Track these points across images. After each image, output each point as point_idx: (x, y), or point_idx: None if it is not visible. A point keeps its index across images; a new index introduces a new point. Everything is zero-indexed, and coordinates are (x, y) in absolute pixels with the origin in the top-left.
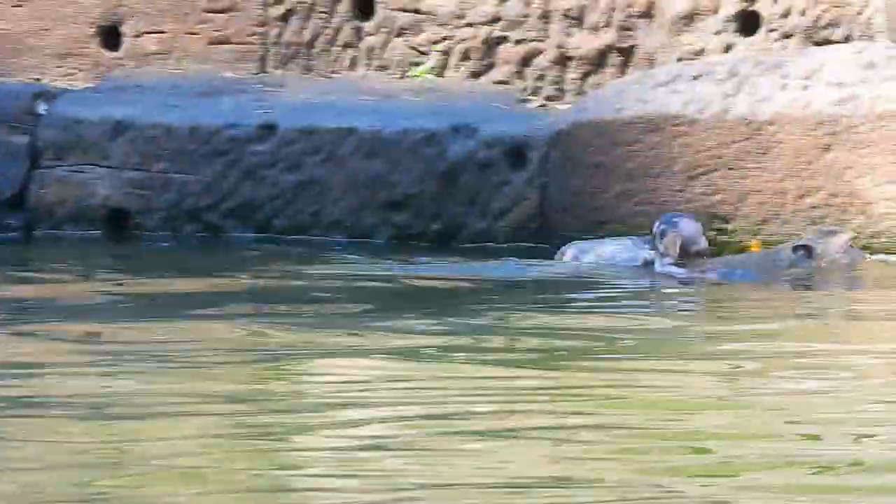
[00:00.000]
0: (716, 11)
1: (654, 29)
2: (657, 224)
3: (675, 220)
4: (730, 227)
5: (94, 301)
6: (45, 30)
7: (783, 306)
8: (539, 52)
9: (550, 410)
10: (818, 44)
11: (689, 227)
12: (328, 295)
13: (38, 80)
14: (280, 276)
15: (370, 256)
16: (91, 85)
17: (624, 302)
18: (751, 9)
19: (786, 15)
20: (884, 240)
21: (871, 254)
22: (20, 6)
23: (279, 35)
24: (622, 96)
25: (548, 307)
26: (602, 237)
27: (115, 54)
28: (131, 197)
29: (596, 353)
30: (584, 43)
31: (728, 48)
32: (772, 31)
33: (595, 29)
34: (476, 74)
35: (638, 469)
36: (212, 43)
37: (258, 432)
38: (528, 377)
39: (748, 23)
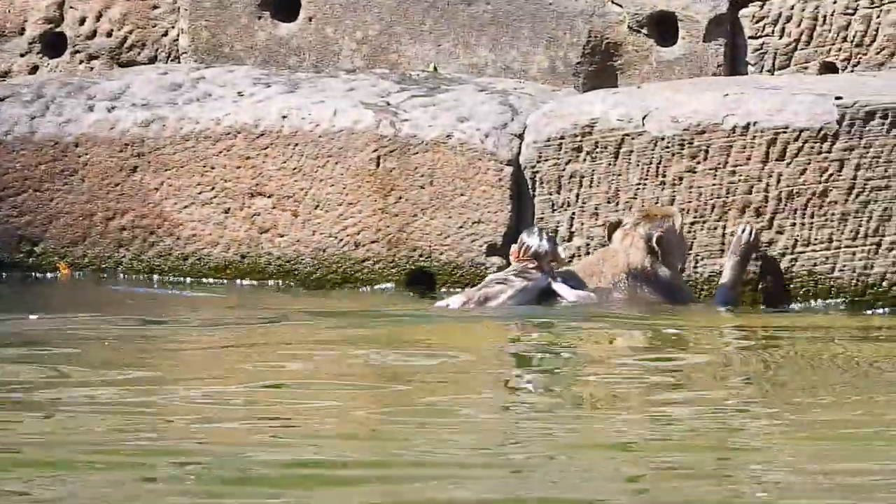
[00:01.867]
0: (21, 32)
1: None
2: (536, 243)
3: (542, 232)
4: (38, 249)
5: None
6: None
7: None
8: None
9: None
10: (124, 65)
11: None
12: None
13: None
14: None
15: None
16: None
17: None
18: (56, 30)
19: (91, 36)
20: (192, 261)
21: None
22: None
23: None
24: None
25: None
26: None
27: None
28: None
29: None
30: None
31: (34, 69)
32: (77, 52)
33: None
34: None
35: None
36: None
37: None
38: None
39: (54, 44)
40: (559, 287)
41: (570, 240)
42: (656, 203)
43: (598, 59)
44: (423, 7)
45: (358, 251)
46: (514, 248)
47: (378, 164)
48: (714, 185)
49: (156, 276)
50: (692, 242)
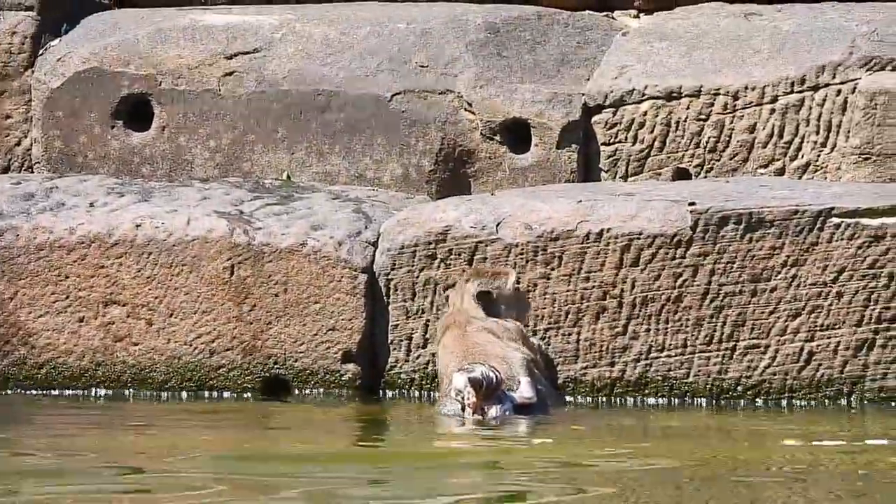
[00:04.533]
0: None
1: None
2: (486, 373)
3: (475, 365)
4: None
5: None
6: None
7: None
8: None
9: None
10: None
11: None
12: None
13: None
14: None
15: None
16: None
17: None
18: None
19: None
20: (46, 370)
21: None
22: None
23: None
24: None
25: None
26: None
27: None
28: None
29: None
30: None
31: None
32: None
33: None
34: None
35: None
36: None
37: None
38: None
39: None
40: (519, 394)
41: (424, 346)
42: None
43: (451, 167)
44: (276, 115)
45: (213, 359)
46: (471, 398)
47: (232, 273)
48: (568, 291)
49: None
50: (547, 348)
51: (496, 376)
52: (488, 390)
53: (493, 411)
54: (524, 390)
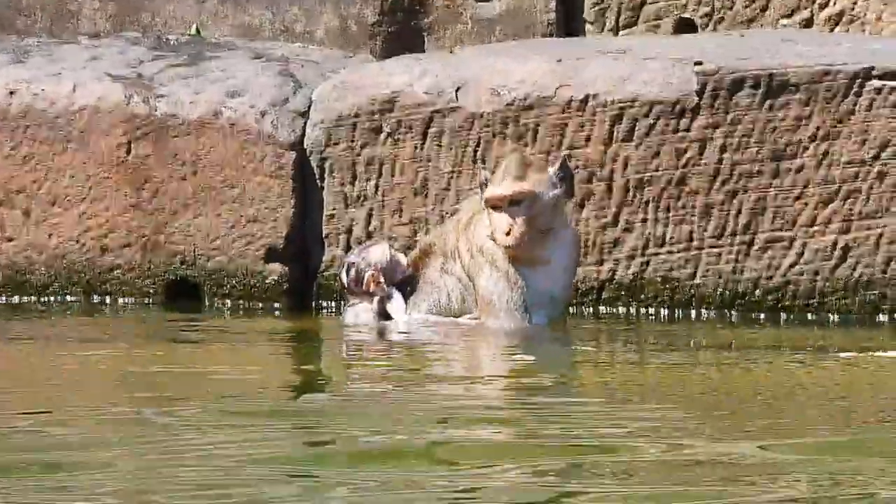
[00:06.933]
0: None
1: None
2: (343, 274)
3: (362, 254)
4: None
5: None
6: None
7: None
8: None
9: None
10: None
11: (378, 254)
12: None
13: None
14: None
15: None
16: None
17: None
18: None
19: None
20: None
21: None
22: None
23: None
24: None
25: None
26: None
27: None
28: None
29: None
30: None
31: None
32: None
33: None
34: None
35: None
36: None
37: None
38: None
39: None
40: (390, 307)
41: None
42: None
43: (399, 18)
44: None
45: (105, 258)
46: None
47: (129, 151)
48: None
49: None
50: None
51: (362, 267)
52: (349, 276)
53: (352, 302)
54: (394, 301)
